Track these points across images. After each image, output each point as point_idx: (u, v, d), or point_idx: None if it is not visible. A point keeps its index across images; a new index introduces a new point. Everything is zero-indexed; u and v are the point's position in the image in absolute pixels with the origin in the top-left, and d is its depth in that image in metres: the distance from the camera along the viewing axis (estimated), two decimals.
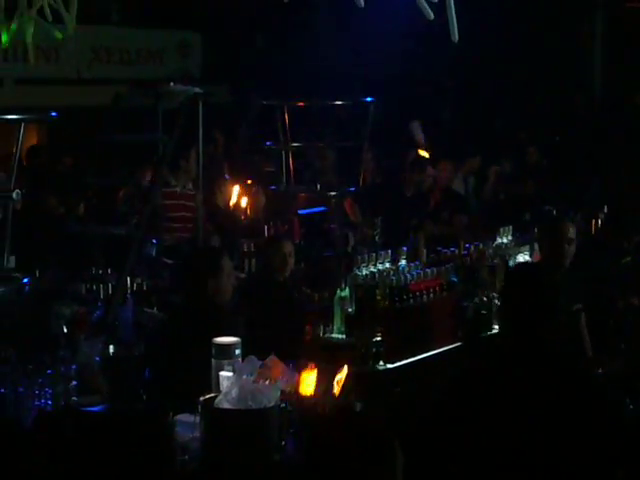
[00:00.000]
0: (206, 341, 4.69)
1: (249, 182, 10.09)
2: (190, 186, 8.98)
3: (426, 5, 4.56)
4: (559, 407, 3.85)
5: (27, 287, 6.11)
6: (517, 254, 7.41)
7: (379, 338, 6.11)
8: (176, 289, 7.35)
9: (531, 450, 3.80)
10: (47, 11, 4.69)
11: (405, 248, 7.07)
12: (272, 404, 4.17)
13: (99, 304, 6.56)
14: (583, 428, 3.81)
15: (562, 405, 3.85)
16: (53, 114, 7.12)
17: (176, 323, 5.63)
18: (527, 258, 7.41)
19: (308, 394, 4.38)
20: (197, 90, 7.75)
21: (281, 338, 5.94)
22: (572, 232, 6.55)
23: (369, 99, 10.02)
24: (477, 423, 3.91)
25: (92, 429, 4.22)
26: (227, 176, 10.55)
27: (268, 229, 8.77)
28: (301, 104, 10.37)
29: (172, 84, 7.89)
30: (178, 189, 8.93)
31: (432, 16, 4.61)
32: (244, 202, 9.44)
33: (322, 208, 9.86)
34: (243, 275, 7.84)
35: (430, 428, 4.07)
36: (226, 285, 5.61)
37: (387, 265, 6.99)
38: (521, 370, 3.95)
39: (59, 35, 4.85)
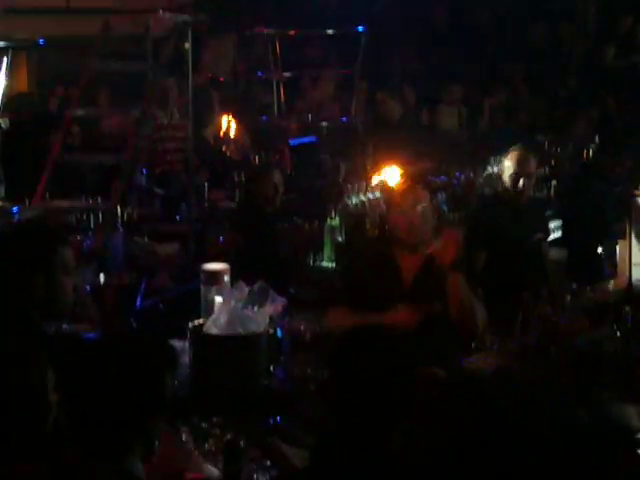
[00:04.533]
0: None
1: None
2: (177, 116, 8.89)
3: None
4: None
5: (17, 216, 6.11)
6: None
7: None
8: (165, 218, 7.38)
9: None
10: None
11: None
12: (261, 330, 4.20)
13: (90, 233, 6.57)
14: None
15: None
16: (41, 41, 7.07)
17: None
18: None
19: None
20: (186, 18, 7.67)
21: (270, 267, 5.95)
22: (532, 165, 6.35)
23: (360, 28, 9.94)
24: None
25: (84, 355, 4.23)
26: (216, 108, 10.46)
27: (258, 159, 8.74)
28: (292, 33, 10.29)
29: (161, 12, 7.81)
30: (165, 120, 8.86)
31: None
32: (233, 133, 9.36)
33: (313, 138, 9.80)
34: (233, 205, 7.83)
35: None
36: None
37: (377, 194, 7.01)
38: None
39: None
